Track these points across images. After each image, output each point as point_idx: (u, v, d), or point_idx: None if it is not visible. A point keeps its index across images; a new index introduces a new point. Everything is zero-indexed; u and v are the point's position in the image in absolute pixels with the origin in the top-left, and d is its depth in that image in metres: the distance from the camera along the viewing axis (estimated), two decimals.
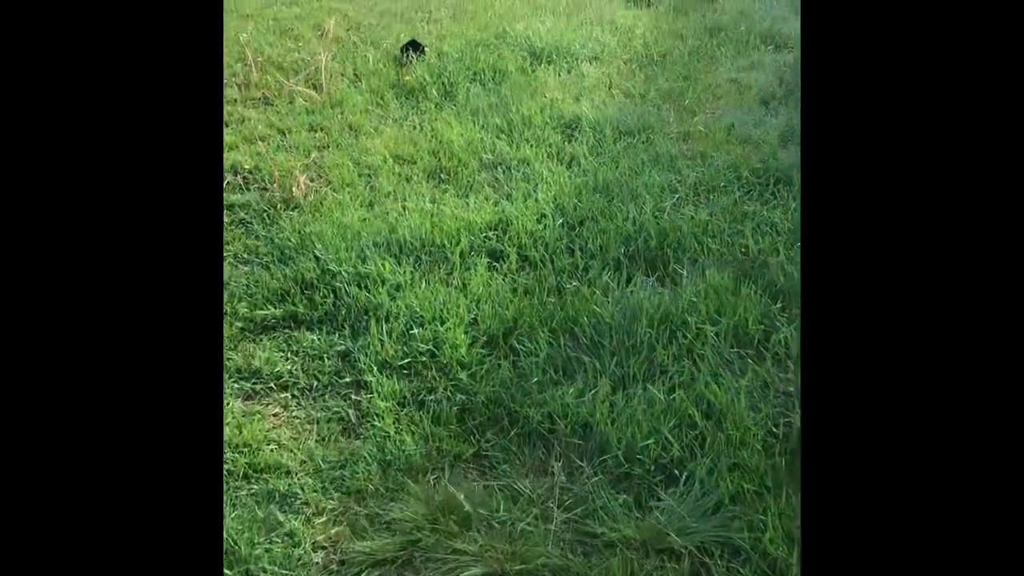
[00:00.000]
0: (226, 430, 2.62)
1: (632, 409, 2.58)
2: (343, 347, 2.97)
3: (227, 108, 4.68)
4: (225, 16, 6.09)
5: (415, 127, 4.50)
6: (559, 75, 5.09)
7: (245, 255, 3.51)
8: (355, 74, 5.13)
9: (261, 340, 3.04)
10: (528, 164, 4.07)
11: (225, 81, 4.96)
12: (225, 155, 4.20)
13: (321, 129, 4.48)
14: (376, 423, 2.63)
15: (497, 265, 3.37)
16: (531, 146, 4.22)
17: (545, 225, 3.55)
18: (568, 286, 3.19)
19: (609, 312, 3.00)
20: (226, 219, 3.73)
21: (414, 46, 5.26)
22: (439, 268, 3.35)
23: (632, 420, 2.54)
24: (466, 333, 2.96)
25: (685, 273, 3.22)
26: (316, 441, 2.61)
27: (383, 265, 3.30)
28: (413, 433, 2.59)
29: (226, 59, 5.26)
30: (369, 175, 4.06)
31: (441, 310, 3.06)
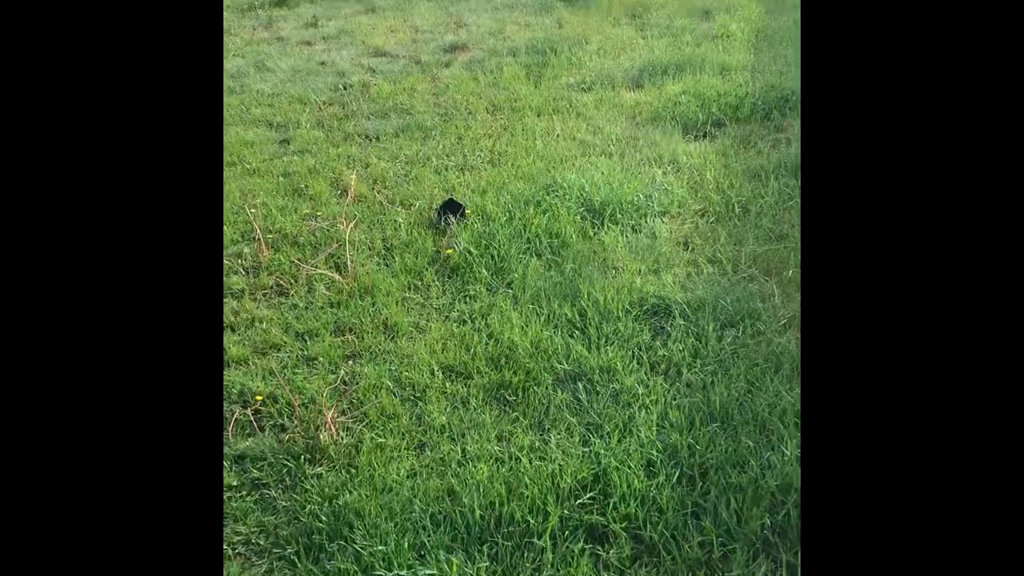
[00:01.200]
0: None
1: None
2: None
3: (234, 304, 3.85)
4: (228, 170, 5.36)
5: (465, 321, 3.66)
6: (626, 237, 4.28)
7: (260, 541, 2.62)
8: (385, 246, 4.33)
9: None
10: (614, 376, 3.22)
11: (231, 266, 4.16)
12: (232, 376, 3.36)
13: (349, 330, 3.63)
14: None
15: (601, 552, 2.48)
16: (614, 347, 3.37)
17: (656, 482, 2.67)
18: None
19: None
20: (234, 480, 2.85)
21: (452, 207, 4.46)
22: (524, 561, 2.46)
23: None
24: None
25: None
26: None
27: (449, 565, 2.41)
28: None
29: (231, 235, 4.47)
30: (414, 399, 3.20)
31: None
